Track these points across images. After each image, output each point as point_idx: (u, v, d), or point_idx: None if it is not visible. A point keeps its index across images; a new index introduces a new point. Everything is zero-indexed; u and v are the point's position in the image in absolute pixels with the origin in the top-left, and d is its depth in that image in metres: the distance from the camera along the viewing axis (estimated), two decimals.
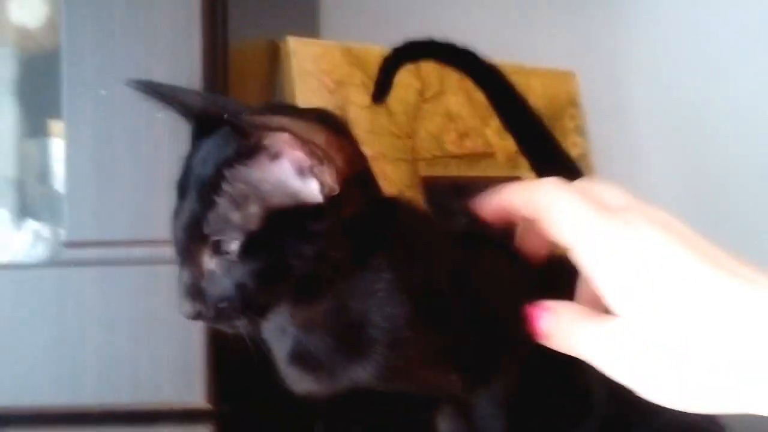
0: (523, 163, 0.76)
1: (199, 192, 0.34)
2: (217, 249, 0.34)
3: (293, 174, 0.34)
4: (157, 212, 0.42)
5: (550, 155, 0.58)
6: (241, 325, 0.35)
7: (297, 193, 0.34)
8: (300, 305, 0.38)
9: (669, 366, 0.32)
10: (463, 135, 0.72)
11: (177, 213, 0.36)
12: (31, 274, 0.43)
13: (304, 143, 0.33)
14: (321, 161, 0.34)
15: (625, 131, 0.91)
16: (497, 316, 0.42)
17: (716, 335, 0.31)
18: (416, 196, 0.67)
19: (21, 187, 0.56)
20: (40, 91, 0.57)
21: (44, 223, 0.48)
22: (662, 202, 0.40)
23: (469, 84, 0.73)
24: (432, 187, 0.69)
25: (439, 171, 0.70)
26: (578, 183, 0.38)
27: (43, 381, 0.42)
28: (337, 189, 0.34)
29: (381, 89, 0.55)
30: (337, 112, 0.59)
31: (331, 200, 0.35)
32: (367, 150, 0.62)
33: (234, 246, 0.34)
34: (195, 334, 0.42)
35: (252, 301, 0.35)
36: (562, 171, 0.45)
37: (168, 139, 0.43)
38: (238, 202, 0.34)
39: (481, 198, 0.41)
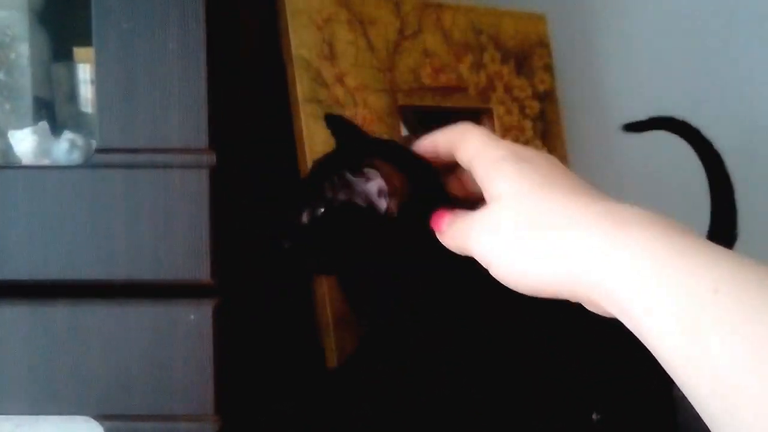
0: (492, 96, 0.85)
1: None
2: (313, 213, 0.54)
3: (375, 192, 0.52)
4: (172, 125, 0.52)
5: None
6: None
7: (372, 202, 0.53)
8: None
9: (508, 243, 0.43)
10: (438, 70, 0.80)
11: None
12: (70, 174, 0.51)
13: (387, 181, 0.52)
14: (391, 193, 0.52)
15: (591, 69, 0.98)
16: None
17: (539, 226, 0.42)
18: (394, 123, 0.75)
19: (51, 107, 0.65)
20: (65, 20, 0.66)
21: (79, 134, 0.56)
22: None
23: (445, 24, 0.81)
24: (408, 115, 0.77)
25: (415, 101, 0.77)
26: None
27: (82, 259, 0.51)
28: (395, 212, 0.52)
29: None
30: (324, 46, 0.68)
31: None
32: (352, 81, 0.72)
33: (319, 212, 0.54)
34: (202, 223, 0.51)
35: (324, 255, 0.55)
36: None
37: (179, 65, 0.51)
38: (335, 190, 0.53)
39: (419, 140, 0.54)
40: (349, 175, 0.53)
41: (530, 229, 0.42)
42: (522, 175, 0.44)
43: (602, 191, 0.44)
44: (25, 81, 0.64)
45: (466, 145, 0.49)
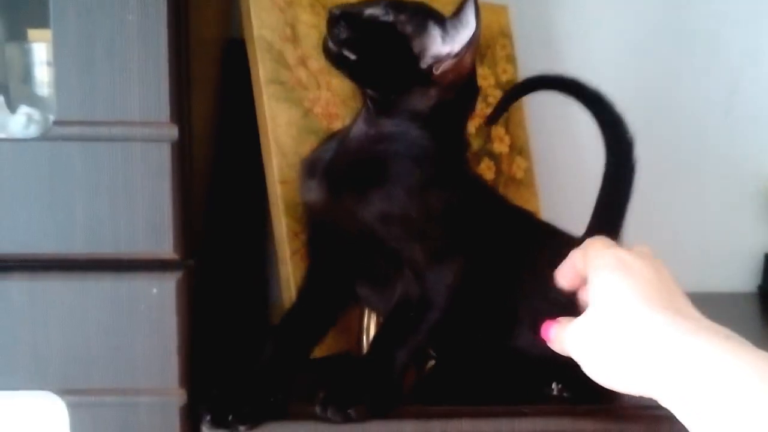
0: None
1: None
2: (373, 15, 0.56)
3: (433, 53, 0.56)
4: (132, 98, 0.51)
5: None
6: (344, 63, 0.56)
7: (419, 54, 0.56)
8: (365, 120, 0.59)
9: (599, 351, 0.47)
10: None
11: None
12: (26, 147, 0.50)
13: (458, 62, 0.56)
14: (445, 73, 0.56)
15: (553, 59, 0.99)
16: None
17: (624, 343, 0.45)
18: (358, 107, 0.75)
19: (6, 89, 0.64)
20: (20, 3, 0.65)
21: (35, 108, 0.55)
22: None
23: None
24: None
25: None
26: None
27: (41, 234, 0.50)
28: (439, 80, 0.56)
29: (495, 115, 0.75)
30: (287, 28, 0.68)
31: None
32: (315, 63, 0.72)
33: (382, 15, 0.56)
34: (164, 197, 0.51)
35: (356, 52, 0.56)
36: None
37: (139, 37, 0.50)
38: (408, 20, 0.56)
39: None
40: (432, 23, 0.56)
41: (618, 343, 0.46)
42: (619, 287, 0.47)
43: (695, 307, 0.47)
44: None
45: (587, 252, 0.52)
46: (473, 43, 0.55)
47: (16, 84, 0.64)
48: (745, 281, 1.05)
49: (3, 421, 0.53)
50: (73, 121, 0.51)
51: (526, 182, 0.91)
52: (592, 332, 0.47)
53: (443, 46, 0.56)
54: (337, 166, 0.57)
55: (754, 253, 1.05)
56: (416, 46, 0.55)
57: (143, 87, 0.51)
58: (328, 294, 0.60)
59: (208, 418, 0.50)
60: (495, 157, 0.88)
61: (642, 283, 0.47)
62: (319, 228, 0.61)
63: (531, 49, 0.96)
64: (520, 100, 0.91)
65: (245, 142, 0.69)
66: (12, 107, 0.59)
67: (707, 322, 0.45)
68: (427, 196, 0.55)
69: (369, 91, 0.58)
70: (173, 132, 0.51)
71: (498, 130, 0.89)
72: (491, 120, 0.79)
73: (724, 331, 0.43)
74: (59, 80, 0.51)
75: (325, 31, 0.56)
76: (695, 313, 0.46)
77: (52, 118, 0.52)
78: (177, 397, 0.51)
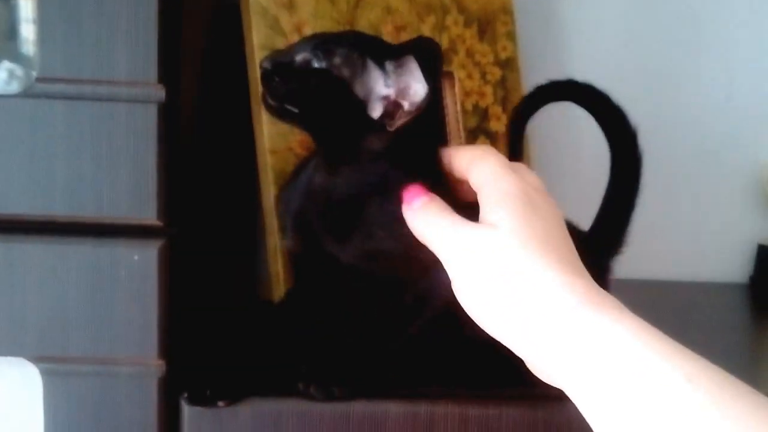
0: (454, 59, 0.83)
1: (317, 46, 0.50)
2: (308, 62, 0.50)
3: (380, 95, 0.50)
4: (119, 56, 0.49)
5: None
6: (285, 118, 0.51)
7: (367, 101, 0.50)
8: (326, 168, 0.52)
9: (480, 279, 0.42)
10: (399, 28, 0.78)
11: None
12: (7, 103, 0.48)
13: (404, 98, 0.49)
14: (395, 112, 0.49)
15: (554, 38, 0.98)
16: None
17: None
18: None
19: None
20: None
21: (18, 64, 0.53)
22: None
23: None
24: None
25: None
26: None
27: (19, 194, 0.49)
28: (392, 127, 0.49)
29: (513, 148, 0.67)
30: None
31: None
32: (310, 31, 0.70)
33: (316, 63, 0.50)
34: (149, 161, 0.49)
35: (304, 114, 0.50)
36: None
37: None
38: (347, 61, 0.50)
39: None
40: (371, 61, 0.50)
41: (504, 282, 0.42)
42: (523, 220, 0.43)
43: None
44: None
45: (481, 169, 0.47)
46: (429, 99, 0.49)
47: (1, 41, 0.62)
48: (737, 272, 1.04)
49: None
50: (56, 78, 0.49)
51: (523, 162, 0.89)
52: (482, 258, 0.43)
53: (387, 88, 0.50)
54: (307, 218, 0.54)
55: (746, 244, 1.04)
56: (359, 91, 0.50)
57: (131, 44, 0.49)
58: (315, 297, 0.58)
59: (186, 393, 0.49)
60: (491, 135, 0.86)
61: (551, 232, 0.43)
62: (301, 259, 0.58)
63: (532, 26, 0.94)
64: (517, 79, 0.89)
65: (236, 109, 0.66)
66: None
67: (592, 284, 0.42)
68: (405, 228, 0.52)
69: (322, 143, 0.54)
70: (160, 93, 0.49)
71: (495, 109, 0.87)
72: (513, 155, 0.70)
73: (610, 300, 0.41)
74: (44, 34, 0.49)
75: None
76: (582, 268, 0.43)
77: (35, 74, 0.50)
78: (156, 368, 0.50)
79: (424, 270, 0.50)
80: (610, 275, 0.63)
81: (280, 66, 0.50)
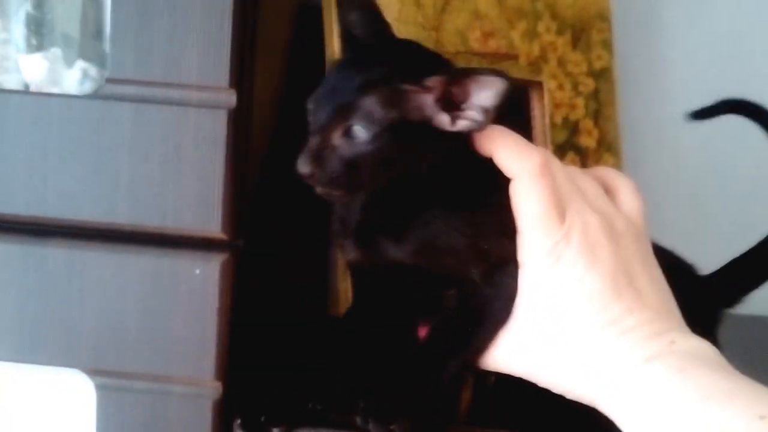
0: (544, 68, 0.79)
1: (361, 85, 0.44)
2: (348, 132, 0.43)
3: (431, 104, 0.44)
4: (191, 59, 0.47)
5: None
6: (338, 196, 0.46)
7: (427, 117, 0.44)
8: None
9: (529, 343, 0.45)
10: (488, 34, 0.74)
11: (329, 91, 0.45)
12: (77, 104, 0.47)
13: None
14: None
15: (654, 48, 0.91)
16: None
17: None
18: None
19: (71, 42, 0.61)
20: None
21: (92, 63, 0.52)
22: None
23: None
24: None
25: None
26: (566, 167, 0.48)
27: (83, 198, 0.47)
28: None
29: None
30: None
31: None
32: None
33: (362, 134, 0.43)
34: (216, 171, 0.47)
35: (355, 179, 0.44)
36: None
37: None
38: (386, 105, 0.43)
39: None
40: (401, 85, 0.44)
41: (561, 339, 0.44)
42: (573, 293, 0.44)
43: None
44: (53, 16, 0.60)
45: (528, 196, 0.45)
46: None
47: (88, 39, 0.61)
48: None
49: (26, 396, 0.50)
50: (126, 79, 0.47)
51: None
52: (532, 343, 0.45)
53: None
54: (367, 224, 0.50)
55: None
56: (414, 116, 0.45)
57: (203, 47, 0.47)
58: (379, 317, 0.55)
59: (239, 419, 0.46)
60: (581, 151, 0.81)
61: (599, 283, 0.43)
62: (363, 272, 0.55)
63: (631, 35, 0.88)
64: (612, 91, 0.84)
65: None
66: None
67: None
68: (465, 214, 0.48)
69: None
70: (231, 98, 0.47)
71: (586, 123, 0.82)
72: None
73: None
74: (115, 35, 0.47)
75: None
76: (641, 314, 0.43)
77: (107, 74, 0.48)
78: (212, 390, 0.47)
79: (485, 262, 0.48)
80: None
81: (318, 158, 0.44)
